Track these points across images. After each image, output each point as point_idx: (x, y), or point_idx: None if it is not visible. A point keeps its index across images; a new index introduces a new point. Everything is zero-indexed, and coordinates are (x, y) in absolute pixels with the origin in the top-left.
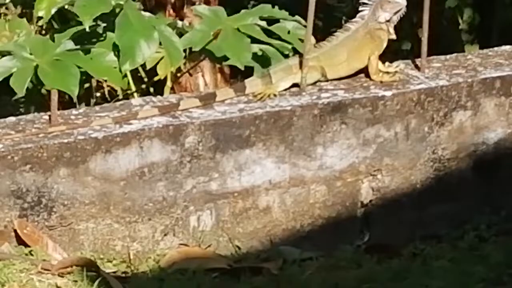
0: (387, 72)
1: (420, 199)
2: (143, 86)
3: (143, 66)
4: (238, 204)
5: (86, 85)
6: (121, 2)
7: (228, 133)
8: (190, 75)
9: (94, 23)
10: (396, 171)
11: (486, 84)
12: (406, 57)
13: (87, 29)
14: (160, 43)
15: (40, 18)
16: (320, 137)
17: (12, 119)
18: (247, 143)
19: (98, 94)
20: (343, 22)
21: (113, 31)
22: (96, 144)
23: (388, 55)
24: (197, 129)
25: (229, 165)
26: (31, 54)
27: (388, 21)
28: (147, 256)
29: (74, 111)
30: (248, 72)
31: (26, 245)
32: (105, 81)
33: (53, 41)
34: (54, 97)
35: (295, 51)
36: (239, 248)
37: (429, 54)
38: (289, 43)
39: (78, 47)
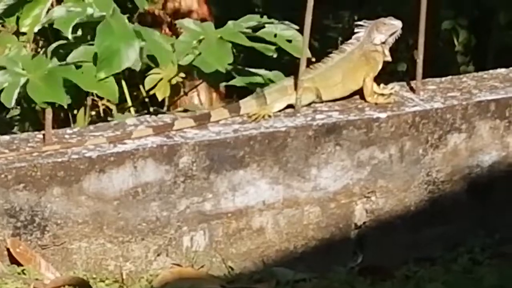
0: (382, 94)
1: (414, 221)
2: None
3: (143, 86)
4: (231, 225)
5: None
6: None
7: (222, 153)
8: (186, 94)
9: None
10: (390, 193)
11: (481, 107)
12: (401, 79)
13: (70, 38)
14: (157, 64)
15: (36, 33)
16: (314, 158)
17: (6, 137)
18: (241, 164)
19: (93, 113)
20: (339, 43)
21: None
22: (90, 164)
23: (383, 77)
24: (191, 149)
25: (223, 186)
26: (23, 69)
27: (383, 43)
28: (140, 276)
29: (68, 130)
30: (244, 91)
31: (19, 264)
32: (101, 99)
33: (46, 56)
34: (49, 116)
35: (279, 52)
36: (232, 268)
37: (424, 76)
38: (274, 44)
39: (69, 61)
